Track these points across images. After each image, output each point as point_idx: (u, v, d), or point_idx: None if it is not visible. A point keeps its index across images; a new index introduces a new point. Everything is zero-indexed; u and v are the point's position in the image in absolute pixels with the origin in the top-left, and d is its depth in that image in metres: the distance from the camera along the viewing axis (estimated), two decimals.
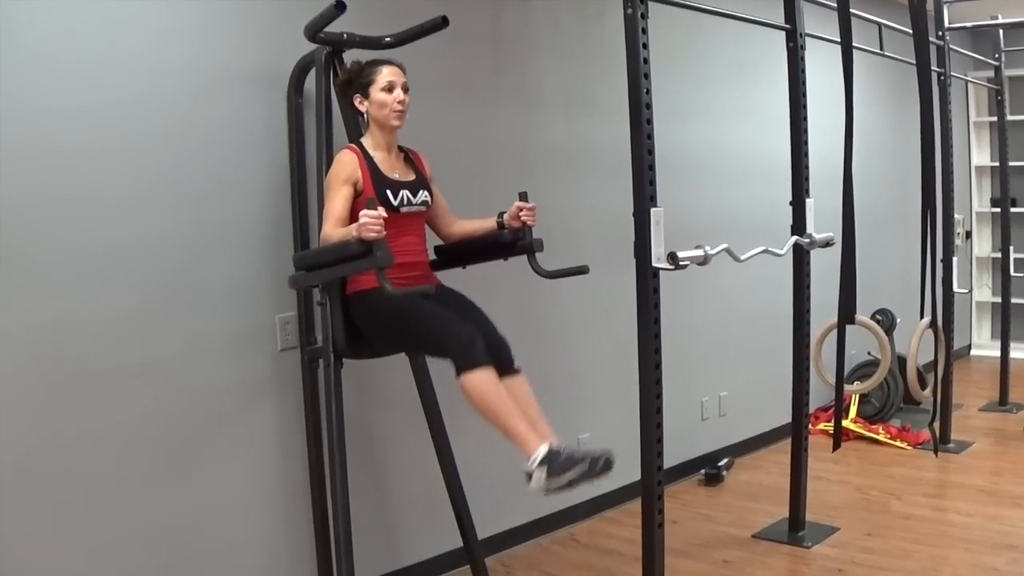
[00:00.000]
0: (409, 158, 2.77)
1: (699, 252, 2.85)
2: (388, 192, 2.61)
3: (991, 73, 5.67)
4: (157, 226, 2.64)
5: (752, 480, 4.46)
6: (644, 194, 2.77)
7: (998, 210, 6.15)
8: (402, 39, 2.84)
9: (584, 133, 3.92)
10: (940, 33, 4.78)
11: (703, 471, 4.47)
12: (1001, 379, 5.60)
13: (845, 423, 4.96)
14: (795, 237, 3.48)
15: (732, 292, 4.65)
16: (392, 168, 2.67)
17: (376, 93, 2.62)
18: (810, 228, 3.50)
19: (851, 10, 3.22)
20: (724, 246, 2.95)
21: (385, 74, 2.62)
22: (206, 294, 2.76)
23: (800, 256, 3.58)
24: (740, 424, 4.83)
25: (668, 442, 2.91)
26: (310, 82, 2.85)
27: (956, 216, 5.27)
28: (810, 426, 4.13)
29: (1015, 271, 5.55)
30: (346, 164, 2.59)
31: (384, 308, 2.56)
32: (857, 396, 5.15)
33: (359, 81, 2.64)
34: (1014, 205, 6.02)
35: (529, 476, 2.33)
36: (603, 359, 4.02)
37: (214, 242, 2.77)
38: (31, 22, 2.39)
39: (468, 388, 2.38)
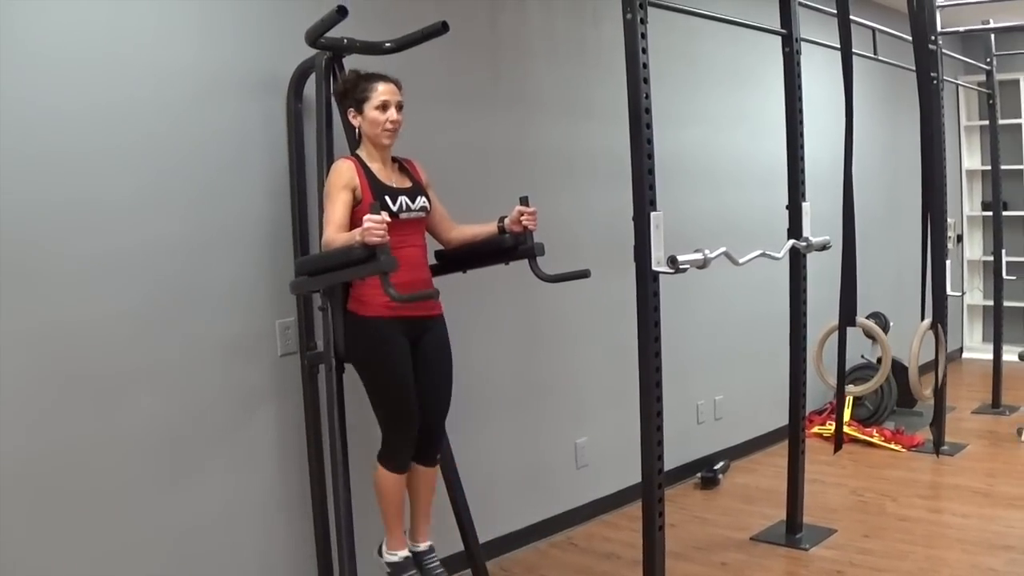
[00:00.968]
0: (404, 167, 2.78)
1: (699, 256, 2.87)
2: (387, 198, 2.61)
3: (982, 77, 5.71)
4: (156, 231, 2.63)
5: (748, 483, 4.47)
6: (644, 198, 2.78)
7: (990, 214, 6.19)
8: (402, 44, 2.84)
9: (583, 138, 3.93)
10: (932, 37, 4.80)
11: (699, 474, 4.47)
12: (994, 382, 5.62)
13: None
14: (792, 241, 3.49)
15: (727, 296, 4.67)
16: (388, 177, 2.69)
17: (370, 111, 2.63)
18: (806, 232, 3.52)
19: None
20: (723, 249, 2.97)
21: (380, 91, 2.63)
22: (205, 299, 2.75)
23: (796, 259, 3.59)
24: (736, 427, 4.84)
25: (665, 445, 2.91)
26: (309, 87, 2.86)
27: (948, 220, 5.29)
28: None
29: (1007, 274, 5.58)
30: (344, 172, 2.60)
31: (364, 348, 2.65)
32: (851, 399, 5.16)
33: (354, 96, 2.65)
34: (1006, 209, 6.06)
35: (380, 554, 2.81)
36: (601, 363, 4.03)
37: (213, 247, 2.77)
38: (31, 27, 2.39)
39: (377, 479, 2.73)
